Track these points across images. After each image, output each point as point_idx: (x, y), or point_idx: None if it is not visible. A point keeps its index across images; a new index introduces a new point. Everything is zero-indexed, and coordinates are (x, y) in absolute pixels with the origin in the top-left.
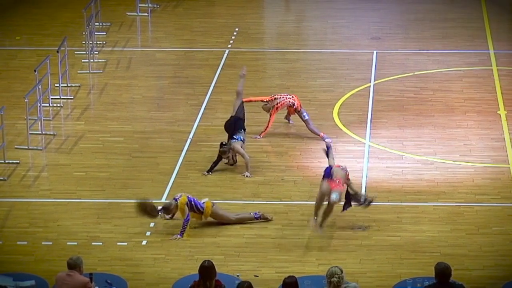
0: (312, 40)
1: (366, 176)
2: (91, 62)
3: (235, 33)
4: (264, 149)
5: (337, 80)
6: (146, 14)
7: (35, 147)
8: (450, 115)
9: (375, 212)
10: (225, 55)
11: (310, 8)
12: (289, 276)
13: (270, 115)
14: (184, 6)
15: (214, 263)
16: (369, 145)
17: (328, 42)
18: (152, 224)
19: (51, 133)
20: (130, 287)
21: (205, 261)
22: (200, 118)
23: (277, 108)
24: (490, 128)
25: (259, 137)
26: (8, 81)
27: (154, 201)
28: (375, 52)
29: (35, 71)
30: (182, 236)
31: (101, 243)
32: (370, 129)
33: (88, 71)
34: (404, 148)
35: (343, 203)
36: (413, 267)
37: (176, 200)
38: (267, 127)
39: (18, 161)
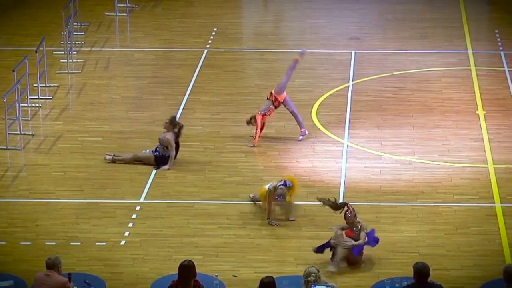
0: (291, 40)
1: (345, 176)
2: (70, 62)
3: (213, 33)
4: (242, 149)
5: (315, 80)
6: (124, 14)
7: (13, 147)
8: (428, 115)
9: None
10: (204, 55)
11: (289, 8)
12: (267, 276)
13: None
14: (162, 6)
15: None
16: (347, 145)
17: (307, 42)
18: (130, 224)
19: (30, 133)
20: (108, 287)
21: (185, 260)
22: (179, 118)
23: (264, 115)
24: (469, 128)
25: (252, 145)
26: None
27: (133, 201)
28: (353, 52)
29: (13, 71)
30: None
31: (79, 243)
32: (349, 129)
33: (66, 71)
34: (383, 148)
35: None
36: (391, 267)
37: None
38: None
39: None
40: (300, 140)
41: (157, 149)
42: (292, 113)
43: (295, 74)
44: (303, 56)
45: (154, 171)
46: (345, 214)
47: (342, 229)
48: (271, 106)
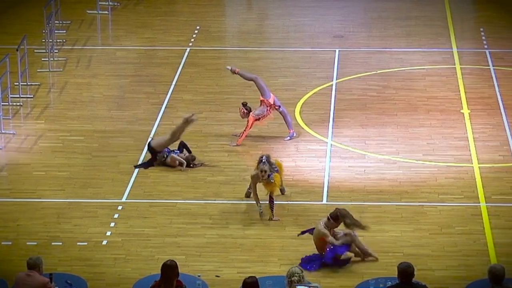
0: (274, 39)
1: (328, 176)
2: (51, 60)
3: (196, 31)
4: (225, 148)
5: (299, 78)
6: (106, 12)
7: None
8: (413, 114)
9: None
10: (186, 53)
11: (272, 6)
12: (250, 277)
13: (248, 122)
14: (144, 4)
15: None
16: (331, 144)
17: (291, 41)
18: (112, 224)
19: (11, 132)
20: (90, 287)
21: (168, 260)
22: (161, 117)
23: (257, 119)
24: (454, 127)
25: (235, 144)
26: None
27: (115, 200)
28: (337, 50)
29: None
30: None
31: (61, 243)
32: (333, 128)
33: (48, 70)
34: (367, 147)
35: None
36: (375, 267)
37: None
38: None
39: None
40: (286, 140)
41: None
42: (282, 112)
43: (279, 72)
44: (233, 68)
45: (137, 170)
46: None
47: (326, 226)
48: (265, 112)
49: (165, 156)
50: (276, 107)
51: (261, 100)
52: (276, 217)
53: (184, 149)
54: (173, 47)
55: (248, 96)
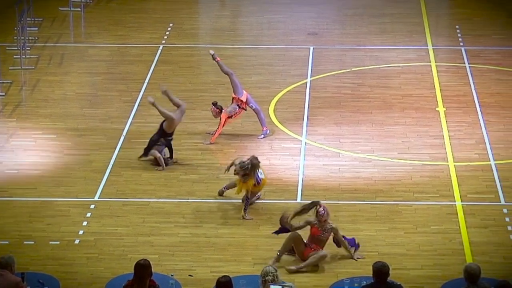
0: (248, 36)
1: (303, 174)
2: (23, 58)
3: (169, 29)
4: (198, 146)
5: (273, 76)
6: (79, 9)
7: None
8: (388, 112)
9: (312, 210)
10: (159, 51)
11: (246, 3)
12: (223, 276)
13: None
14: (117, 1)
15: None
16: (305, 143)
17: (264, 38)
18: (85, 223)
19: None
20: (62, 286)
21: (141, 259)
22: (134, 115)
23: (230, 117)
24: (429, 125)
25: (208, 142)
26: None
27: (88, 199)
28: (311, 48)
29: None
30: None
31: (33, 242)
32: (307, 126)
33: (20, 67)
34: (341, 146)
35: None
36: (350, 267)
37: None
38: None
39: None
40: (260, 139)
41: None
42: (255, 110)
43: (253, 70)
44: (215, 55)
45: (109, 168)
46: (317, 211)
47: (308, 223)
48: (237, 109)
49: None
50: (249, 105)
51: (233, 97)
52: (248, 216)
53: (167, 149)
54: (146, 44)
55: (221, 94)
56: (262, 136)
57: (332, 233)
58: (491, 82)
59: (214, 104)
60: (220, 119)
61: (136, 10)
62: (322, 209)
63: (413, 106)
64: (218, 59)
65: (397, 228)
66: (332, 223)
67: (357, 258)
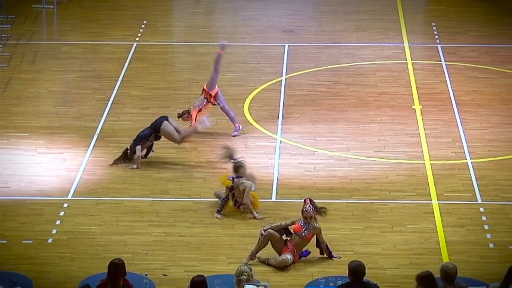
0: (222, 33)
1: (278, 173)
2: None
3: (143, 26)
4: (173, 145)
5: (248, 74)
6: (52, 6)
7: None
8: (364, 110)
9: (287, 209)
10: (133, 48)
11: (220, 0)
12: (198, 275)
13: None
14: None
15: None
16: (280, 141)
17: (239, 35)
18: (58, 222)
19: None
20: (35, 286)
21: (115, 258)
22: (108, 113)
23: (199, 110)
24: (405, 123)
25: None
26: None
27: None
28: (287, 45)
29: None
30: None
31: (5, 241)
32: (282, 125)
33: None
34: (317, 144)
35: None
36: (326, 266)
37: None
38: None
39: None
40: (234, 136)
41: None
42: (223, 108)
43: (227, 68)
44: (225, 49)
45: (83, 167)
46: (303, 208)
47: (293, 222)
48: (205, 102)
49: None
50: (217, 102)
51: (203, 89)
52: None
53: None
54: (120, 42)
55: (195, 92)
56: (236, 132)
57: (315, 234)
58: (468, 80)
59: (182, 114)
60: (191, 117)
61: (109, 7)
62: (308, 206)
63: (389, 104)
64: (221, 53)
65: (373, 227)
66: (316, 224)
67: (334, 258)
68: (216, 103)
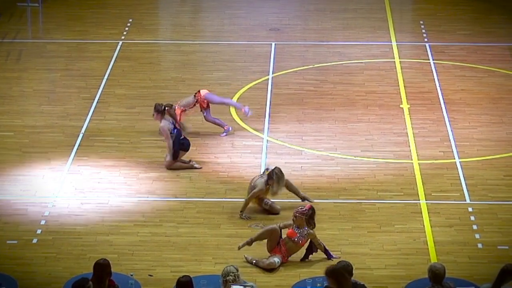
0: (209, 32)
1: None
2: None
3: (128, 24)
4: (158, 144)
5: (234, 72)
6: (37, 4)
7: None
8: (351, 109)
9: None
10: (119, 47)
11: None
12: (184, 276)
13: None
14: None
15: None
16: (267, 140)
17: (225, 34)
18: (43, 222)
19: None
20: (20, 286)
21: (100, 259)
22: (93, 112)
23: (184, 110)
24: (393, 122)
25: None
26: None
27: (46, 197)
28: (273, 44)
29: None
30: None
31: None
32: (269, 124)
33: None
34: (304, 143)
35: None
36: (313, 266)
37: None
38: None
39: None
40: (222, 136)
41: None
42: (207, 118)
43: (213, 66)
44: (247, 115)
45: (68, 167)
46: (296, 211)
47: (286, 226)
48: (192, 102)
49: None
50: (203, 107)
51: (198, 91)
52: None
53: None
54: (105, 40)
55: (181, 91)
56: (225, 134)
57: (308, 239)
58: (456, 79)
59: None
60: (176, 115)
61: (94, 6)
62: (299, 208)
63: (376, 103)
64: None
65: (360, 227)
66: (308, 228)
67: (333, 258)
68: (202, 111)
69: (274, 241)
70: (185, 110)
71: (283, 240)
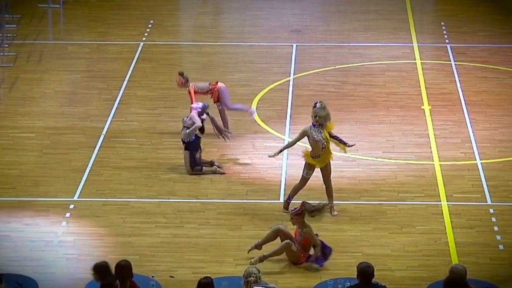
0: (230, 33)
1: (286, 174)
2: (1, 55)
3: (150, 26)
4: (179, 145)
5: (255, 74)
6: (58, 5)
7: None
8: (372, 110)
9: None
10: (140, 48)
11: (228, 0)
12: (205, 277)
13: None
14: None
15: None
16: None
17: (246, 35)
18: (64, 223)
19: None
20: None
21: (122, 260)
22: (114, 113)
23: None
24: (414, 123)
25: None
26: None
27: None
28: (295, 45)
29: None
30: None
31: (11, 243)
32: (290, 125)
33: None
34: None
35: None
36: (334, 268)
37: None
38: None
39: None
40: (251, 118)
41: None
42: (222, 112)
43: (235, 68)
44: (252, 116)
45: (89, 168)
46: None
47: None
48: (206, 89)
49: None
50: (216, 99)
51: (216, 82)
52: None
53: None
54: (126, 41)
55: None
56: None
57: (308, 237)
58: (477, 80)
59: (181, 74)
60: (189, 94)
61: (116, 7)
62: (292, 210)
63: (398, 104)
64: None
65: (381, 229)
66: (303, 227)
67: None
68: (218, 105)
69: (293, 252)
70: (196, 93)
71: (296, 241)
